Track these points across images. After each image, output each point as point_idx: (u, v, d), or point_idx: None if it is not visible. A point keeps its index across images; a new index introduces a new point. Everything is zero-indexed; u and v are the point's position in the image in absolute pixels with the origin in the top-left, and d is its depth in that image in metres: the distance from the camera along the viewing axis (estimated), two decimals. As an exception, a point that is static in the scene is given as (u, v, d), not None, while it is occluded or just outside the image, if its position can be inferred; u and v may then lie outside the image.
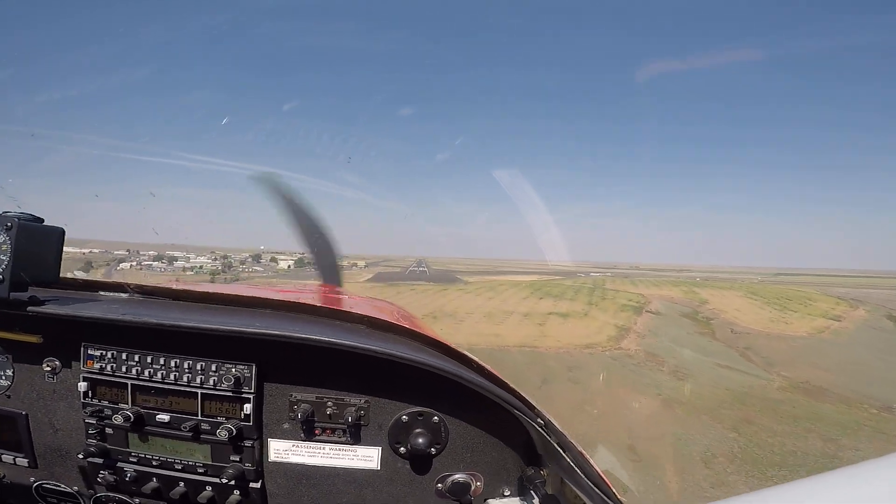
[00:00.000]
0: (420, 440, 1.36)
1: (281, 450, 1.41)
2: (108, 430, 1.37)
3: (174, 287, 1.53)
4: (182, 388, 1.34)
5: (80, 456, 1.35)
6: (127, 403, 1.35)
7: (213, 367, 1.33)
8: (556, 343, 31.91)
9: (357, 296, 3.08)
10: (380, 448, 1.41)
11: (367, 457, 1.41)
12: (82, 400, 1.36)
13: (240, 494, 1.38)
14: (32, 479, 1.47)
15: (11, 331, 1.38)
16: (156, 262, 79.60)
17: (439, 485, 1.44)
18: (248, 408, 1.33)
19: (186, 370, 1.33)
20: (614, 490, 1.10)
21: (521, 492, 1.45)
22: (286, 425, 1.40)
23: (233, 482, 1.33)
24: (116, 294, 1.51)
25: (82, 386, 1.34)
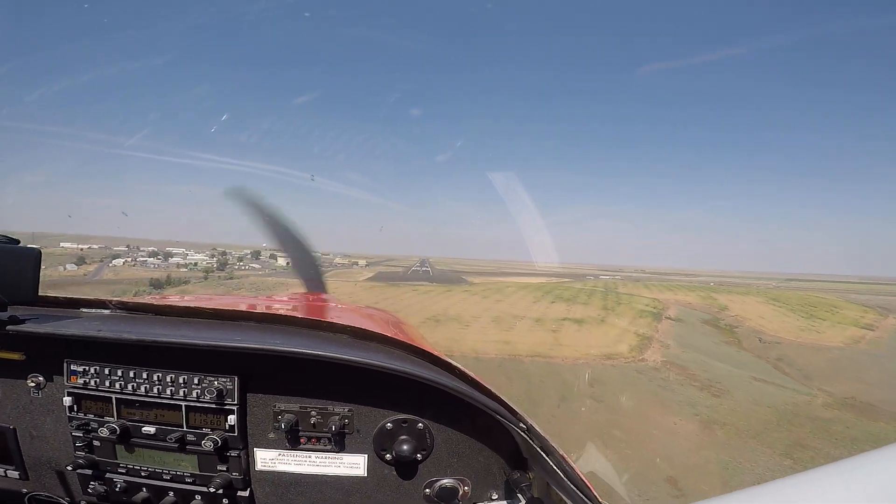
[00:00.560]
0: (405, 447, 1.36)
1: (267, 459, 1.42)
2: (96, 443, 1.38)
3: (156, 302, 1.56)
4: (166, 401, 1.35)
5: (70, 468, 1.37)
6: (112, 417, 1.36)
7: (196, 381, 1.33)
8: (572, 353, 28.78)
9: (344, 304, 2.94)
10: (366, 455, 1.43)
11: (353, 464, 1.43)
12: (68, 414, 1.37)
13: (228, 502, 1.39)
14: (24, 490, 1.49)
15: None
16: (151, 259, 78.44)
17: (427, 490, 1.45)
18: (232, 419, 1.34)
19: (170, 384, 1.34)
20: (596, 493, 1.12)
21: (509, 495, 1.46)
22: (271, 435, 1.41)
23: (221, 491, 1.35)
24: (98, 311, 1.50)
25: (67, 400, 1.36)
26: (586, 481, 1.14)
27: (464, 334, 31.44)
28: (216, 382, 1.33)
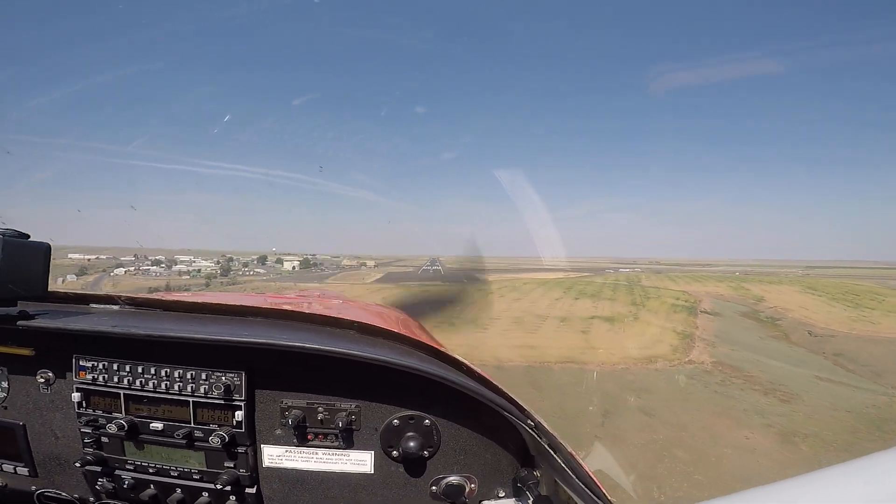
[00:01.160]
0: (412, 443, 1.36)
1: (275, 455, 1.42)
2: (104, 439, 1.38)
3: (164, 298, 1.56)
4: (174, 397, 1.34)
5: (78, 464, 1.37)
6: (121, 413, 1.36)
7: (204, 376, 1.33)
8: (608, 357, 25.29)
9: (353, 301, 2.95)
10: (372, 452, 1.42)
11: (360, 461, 1.42)
12: (77, 410, 1.37)
13: (236, 500, 1.39)
14: (34, 487, 1.50)
15: (4, 344, 1.40)
16: (154, 267, 77.22)
17: (434, 487, 1.44)
18: (239, 415, 1.33)
19: (177, 379, 1.33)
20: (604, 490, 1.11)
21: (516, 493, 1.44)
22: (279, 431, 1.41)
23: (228, 488, 1.35)
24: (107, 306, 1.51)
25: (76, 396, 1.36)
26: (595, 479, 1.12)
27: (482, 339, 28.08)
28: (224, 378, 1.32)
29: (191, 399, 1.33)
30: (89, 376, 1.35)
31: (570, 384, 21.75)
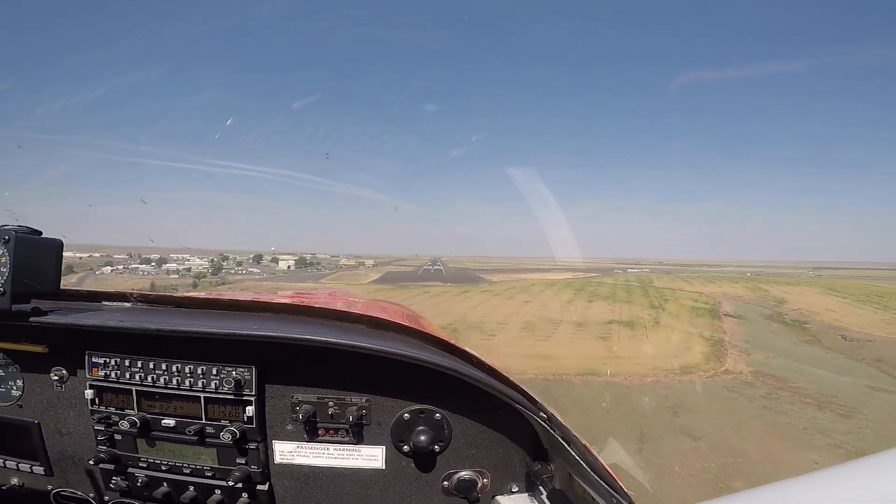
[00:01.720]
0: (422, 438, 1.35)
1: (286, 451, 1.41)
2: (117, 437, 1.39)
3: (175, 295, 1.56)
4: (185, 393, 1.35)
5: (92, 462, 1.37)
6: (133, 409, 1.37)
7: (214, 371, 1.34)
8: (635, 367, 22.28)
9: (361, 297, 2.95)
10: (383, 447, 1.41)
11: (371, 456, 1.41)
12: (90, 407, 1.38)
13: (248, 497, 1.38)
14: (49, 486, 1.49)
15: (18, 342, 1.41)
16: (143, 266, 74.73)
17: (445, 482, 1.43)
18: (250, 410, 1.33)
19: (188, 375, 1.34)
20: (621, 484, 1.09)
21: (529, 487, 1.44)
22: (289, 427, 1.41)
23: (240, 485, 1.35)
24: (119, 303, 1.50)
25: (89, 393, 1.36)
26: (611, 472, 1.10)
27: (490, 347, 25.04)
28: (234, 373, 1.33)
29: (202, 395, 1.33)
30: (101, 373, 1.35)
31: (593, 401, 18.79)
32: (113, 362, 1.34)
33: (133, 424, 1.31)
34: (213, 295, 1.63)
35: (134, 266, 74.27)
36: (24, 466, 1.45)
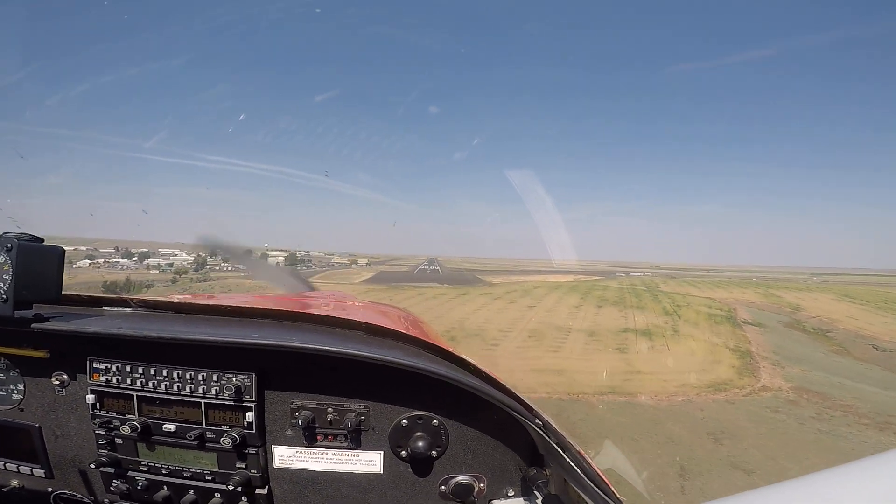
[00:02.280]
0: (420, 443, 1.36)
1: (285, 456, 1.42)
2: (118, 441, 1.40)
3: (175, 300, 1.58)
4: (186, 399, 1.36)
5: (93, 466, 1.38)
6: (134, 414, 1.38)
7: (215, 378, 1.34)
8: (661, 385, 19.18)
9: (361, 301, 2.95)
10: (381, 452, 1.43)
11: (369, 461, 1.42)
12: (91, 412, 1.39)
13: (248, 501, 1.40)
14: (49, 488, 1.50)
15: (20, 347, 1.42)
16: (123, 260, 71.23)
17: (442, 487, 1.44)
18: (250, 416, 1.34)
19: (189, 381, 1.35)
20: (613, 489, 1.11)
21: (525, 492, 1.45)
22: (289, 432, 1.42)
23: (240, 489, 1.36)
24: (120, 308, 1.52)
25: (90, 398, 1.37)
26: (604, 477, 1.13)
27: (491, 359, 21.81)
28: (234, 379, 1.33)
29: (202, 400, 1.34)
30: (103, 378, 1.36)
31: (619, 427, 15.68)
32: (114, 368, 1.35)
33: (134, 429, 1.32)
34: (213, 301, 1.70)
35: (114, 260, 70.80)
36: (25, 469, 1.47)
